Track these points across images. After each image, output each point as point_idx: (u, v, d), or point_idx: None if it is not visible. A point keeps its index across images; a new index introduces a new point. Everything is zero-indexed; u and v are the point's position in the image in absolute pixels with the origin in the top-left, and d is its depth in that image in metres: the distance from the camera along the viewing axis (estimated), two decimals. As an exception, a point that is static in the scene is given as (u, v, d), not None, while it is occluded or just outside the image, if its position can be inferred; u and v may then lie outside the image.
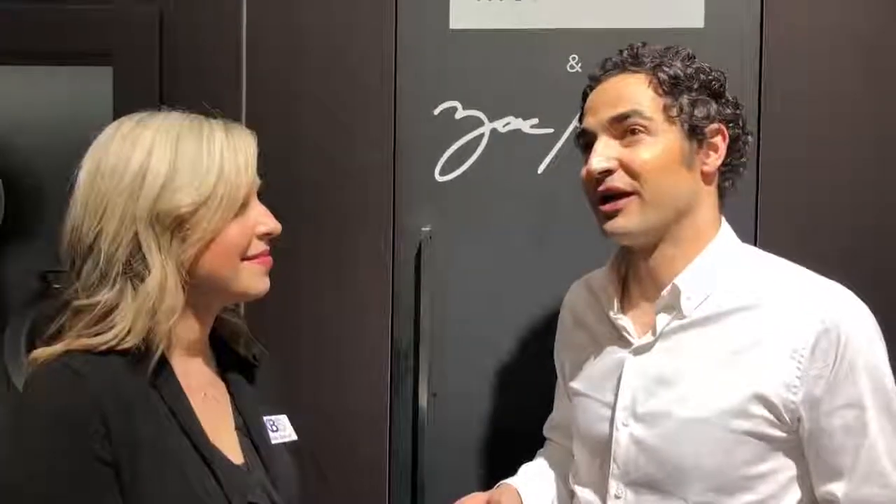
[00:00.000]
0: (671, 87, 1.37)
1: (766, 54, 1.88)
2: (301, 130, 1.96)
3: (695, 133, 1.38)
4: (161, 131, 1.22)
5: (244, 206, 1.25)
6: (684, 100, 1.37)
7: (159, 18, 1.95)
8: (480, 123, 1.94)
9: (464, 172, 1.95)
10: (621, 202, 1.37)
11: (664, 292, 1.40)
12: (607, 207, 1.39)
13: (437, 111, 1.95)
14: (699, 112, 1.38)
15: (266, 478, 1.30)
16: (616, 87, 1.40)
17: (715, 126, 1.39)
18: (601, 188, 1.38)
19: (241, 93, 1.96)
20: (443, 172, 1.95)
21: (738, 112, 1.43)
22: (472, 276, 1.95)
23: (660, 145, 1.36)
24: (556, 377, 1.69)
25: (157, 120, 1.24)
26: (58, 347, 1.19)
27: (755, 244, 1.83)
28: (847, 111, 1.88)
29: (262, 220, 1.29)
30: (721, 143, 1.40)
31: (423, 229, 1.94)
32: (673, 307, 1.40)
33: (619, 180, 1.37)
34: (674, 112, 1.37)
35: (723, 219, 1.46)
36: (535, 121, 1.93)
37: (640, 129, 1.36)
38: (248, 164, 1.25)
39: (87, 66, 2.08)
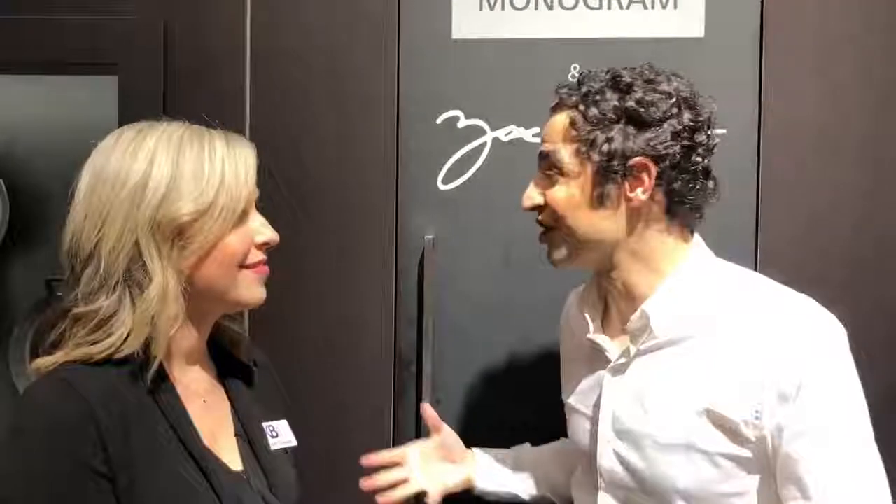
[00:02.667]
0: (587, 128, 1.37)
1: (766, 63, 1.89)
2: (304, 140, 1.97)
3: (609, 172, 1.37)
4: (163, 141, 1.22)
5: (243, 215, 1.26)
6: (599, 139, 1.36)
7: (163, 28, 1.96)
8: (483, 132, 1.95)
9: (466, 181, 1.96)
10: (546, 237, 1.46)
11: (633, 317, 1.41)
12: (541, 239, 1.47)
13: (439, 120, 1.96)
14: (610, 150, 1.35)
15: (265, 484, 1.31)
16: (551, 122, 1.45)
17: (636, 161, 1.36)
18: (537, 220, 1.47)
19: (245, 102, 1.97)
20: (445, 181, 1.96)
21: (682, 137, 1.37)
22: (475, 283, 1.96)
23: (571, 187, 1.40)
24: (558, 383, 1.70)
25: (159, 130, 1.25)
26: (57, 356, 1.20)
27: (755, 251, 1.85)
28: (848, 118, 1.88)
29: (261, 230, 1.30)
30: (646, 176, 1.37)
31: (426, 237, 1.95)
32: (644, 330, 1.41)
33: (544, 215, 1.44)
34: (584, 155, 1.38)
35: (694, 241, 1.44)
36: (536, 129, 1.94)
37: (556, 170, 1.41)
38: (248, 174, 1.26)
39: (91, 75, 2.09)
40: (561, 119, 1.42)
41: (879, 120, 1.88)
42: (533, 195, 1.45)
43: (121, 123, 1.84)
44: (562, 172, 1.40)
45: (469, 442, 1.96)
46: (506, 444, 1.93)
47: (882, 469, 1.32)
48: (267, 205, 1.34)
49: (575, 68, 1.92)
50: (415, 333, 1.96)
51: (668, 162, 1.37)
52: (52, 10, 1.98)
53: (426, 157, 1.96)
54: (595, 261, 1.44)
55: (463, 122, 1.96)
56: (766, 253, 1.85)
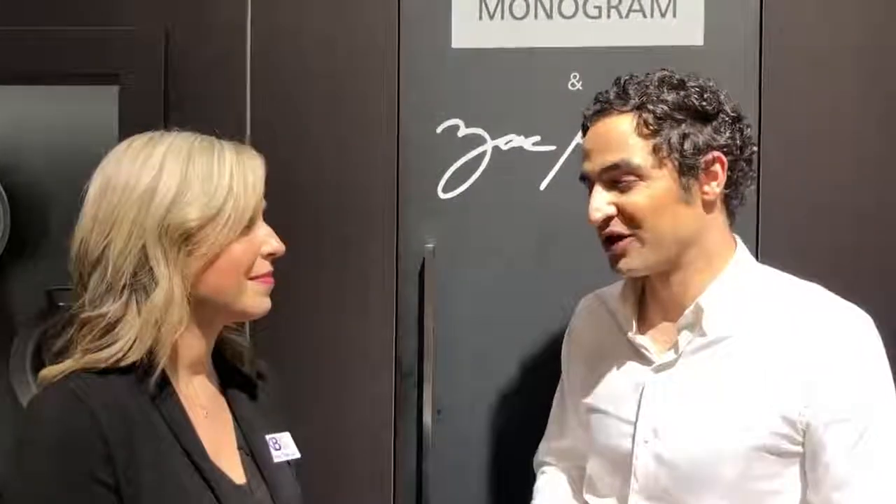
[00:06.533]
0: (658, 126, 1.37)
1: (766, 70, 1.90)
2: (305, 148, 1.97)
3: (690, 169, 1.37)
4: (173, 149, 1.24)
5: (250, 225, 1.27)
6: (674, 136, 1.36)
7: (164, 38, 1.97)
8: (483, 141, 1.96)
9: (467, 189, 1.96)
10: (622, 245, 1.40)
11: (687, 311, 1.41)
12: (611, 251, 1.42)
13: (439, 129, 1.96)
14: (690, 146, 1.36)
15: (268, 497, 1.31)
16: (606, 131, 1.41)
17: (711, 155, 1.38)
18: (604, 233, 1.42)
19: (245, 111, 1.97)
20: (446, 189, 1.96)
21: (736, 128, 1.41)
22: (476, 292, 1.96)
23: (653, 189, 1.37)
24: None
25: (169, 138, 1.26)
26: (65, 365, 1.20)
27: (756, 255, 1.84)
28: (846, 124, 1.89)
29: (268, 240, 1.30)
30: (720, 170, 1.39)
31: (427, 246, 1.95)
32: (695, 326, 1.41)
33: (618, 225, 1.40)
34: (663, 153, 1.37)
35: (737, 238, 1.47)
36: (536, 138, 1.94)
37: (632, 176, 1.37)
38: (256, 184, 1.27)
39: (92, 85, 2.09)
40: (620, 124, 1.39)
41: (879, 125, 1.88)
42: (603, 206, 1.39)
43: (122, 133, 1.85)
44: (640, 177, 1.37)
45: (470, 450, 1.96)
46: (508, 453, 1.93)
47: None
48: (268, 212, 1.35)
49: (575, 77, 1.93)
50: (415, 343, 1.96)
51: (736, 153, 1.40)
52: (52, 20, 1.98)
53: (426, 166, 1.97)
54: (665, 264, 1.42)
55: (463, 131, 1.96)
56: (767, 257, 1.85)
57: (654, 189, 1.37)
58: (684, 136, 1.37)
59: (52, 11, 1.99)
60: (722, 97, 1.41)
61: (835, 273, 1.69)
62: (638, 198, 1.38)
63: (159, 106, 1.95)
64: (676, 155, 1.36)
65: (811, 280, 1.45)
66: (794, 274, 1.47)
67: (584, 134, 1.46)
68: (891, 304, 1.82)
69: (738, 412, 1.36)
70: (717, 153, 1.38)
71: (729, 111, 1.41)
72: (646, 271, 1.44)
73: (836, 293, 1.42)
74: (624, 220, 1.39)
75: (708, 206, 1.40)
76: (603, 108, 1.42)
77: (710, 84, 1.42)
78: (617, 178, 1.39)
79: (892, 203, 1.88)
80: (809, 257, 1.85)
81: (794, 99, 1.89)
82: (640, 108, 1.38)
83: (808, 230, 1.89)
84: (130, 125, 1.72)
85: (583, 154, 1.45)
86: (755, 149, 1.45)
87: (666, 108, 1.37)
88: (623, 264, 1.41)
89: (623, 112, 1.39)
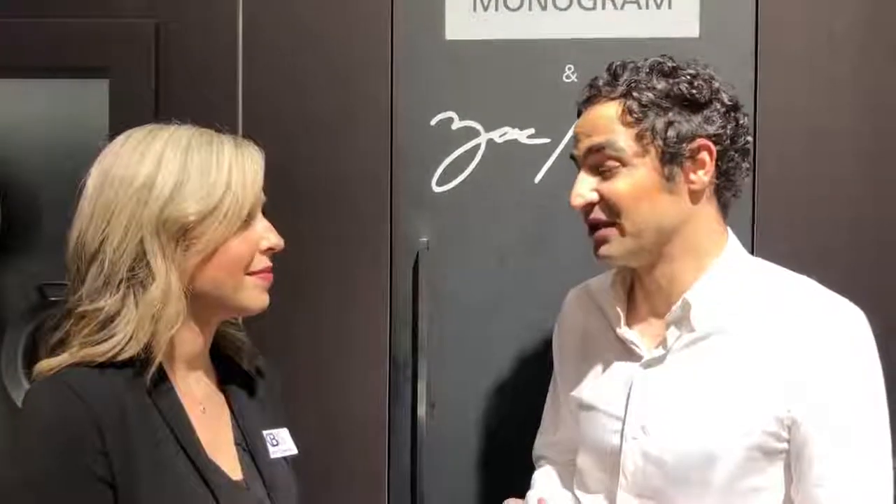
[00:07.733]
0: (643, 114, 1.36)
1: (761, 62, 1.89)
2: (298, 142, 1.96)
3: (673, 157, 1.36)
4: (172, 142, 1.23)
5: (249, 220, 1.27)
6: (658, 124, 1.36)
7: (155, 32, 1.95)
8: (477, 134, 1.95)
9: (461, 183, 1.95)
10: (603, 232, 1.40)
11: (674, 307, 1.40)
12: (593, 237, 1.43)
13: (433, 122, 1.95)
14: (675, 134, 1.35)
15: (265, 493, 1.31)
16: (593, 116, 1.41)
17: (697, 143, 1.37)
18: (587, 220, 1.42)
19: (237, 104, 1.96)
20: (440, 183, 1.96)
21: (730, 117, 1.40)
22: (470, 285, 1.95)
23: (635, 176, 1.37)
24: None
25: (168, 131, 1.25)
26: (61, 358, 1.19)
27: (752, 250, 1.84)
28: (843, 116, 1.88)
29: (266, 235, 1.30)
30: (707, 158, 1.38)
31: (421, 240, 1.94)
32: (682, 321, 1.41)
33: (600, 212, 1.40)
34: (647, 140, 1.36)
35: (729, 231, 1.46)
36: (531, 131, 1.93)
37: (614, 161, 1.37)
38: (255, 178, 1.27)
39: (83, 78, 2.08)
40: (607, 111, 1.39)
41: (875, 117, 1.88)
42: (584, 192, 1.40)
43: (113, 127, 1.84)
44: (623, 162, 1.37)
45: (464, 444, 1.95)
46: (502, 447, 1.93)
47: (891, 473, 1.33)
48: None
49: (569, 69, 1.92)
50: (410, 337, 1.96)
51: (725, 142, 1.39)
52: (43, 13, 1.97)
53: (420, 160, 1.96)
54: (648, 253, 1.41)
55: (457, 124, 1.95)
56: (763, 250, 1.85)
57: (636, 176, 1.37)
58: (669, 124, 1.36)
59: (43, 4, 1.98)
60: (717, 85, 1.40)
61: (831, 267, 1.70)
62: (619, 184, 1.37)
63: (150, 99, 1.94)
64: (660, 142, 1.36)
65: (806, 274, 1.45)
66: (790, 268, 1.46)
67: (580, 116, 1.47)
68: (886, 299, 1.82)
69: (728, 410, 1.35)
70: (703, 141, 1.37)
71: (725, 100, 1.40)
72: (627, 260, 1.43)
73: (831, 288, 1.41)
74: (606, 207, 1.39)
75: (694, 196, 1.39)
76: (593, 94, 1.42)
77: (706, 71, 1.41)
78: (600, 161, 1.38)
79: (890, 196, 1.88)
80: (806, 250, 1.85)
81: (791, 91, 1.89)
82: (626, 95, 1.38)
83: (805, 224, 1.89)
84: (121, 119, 1.72)
85: (573, 138, 1.46)
86: (750, 139, 1.44)
87: (652, 95, 1.36)
88: (604, 251, 1.41)
89: (611, 99, 1.39)
